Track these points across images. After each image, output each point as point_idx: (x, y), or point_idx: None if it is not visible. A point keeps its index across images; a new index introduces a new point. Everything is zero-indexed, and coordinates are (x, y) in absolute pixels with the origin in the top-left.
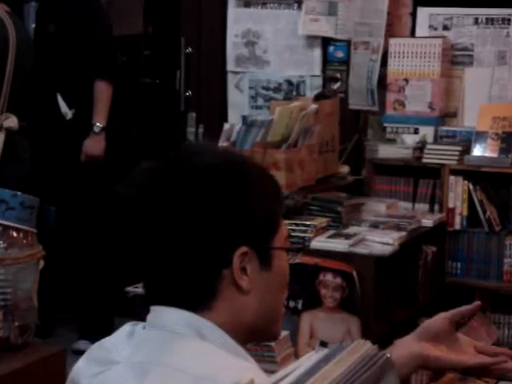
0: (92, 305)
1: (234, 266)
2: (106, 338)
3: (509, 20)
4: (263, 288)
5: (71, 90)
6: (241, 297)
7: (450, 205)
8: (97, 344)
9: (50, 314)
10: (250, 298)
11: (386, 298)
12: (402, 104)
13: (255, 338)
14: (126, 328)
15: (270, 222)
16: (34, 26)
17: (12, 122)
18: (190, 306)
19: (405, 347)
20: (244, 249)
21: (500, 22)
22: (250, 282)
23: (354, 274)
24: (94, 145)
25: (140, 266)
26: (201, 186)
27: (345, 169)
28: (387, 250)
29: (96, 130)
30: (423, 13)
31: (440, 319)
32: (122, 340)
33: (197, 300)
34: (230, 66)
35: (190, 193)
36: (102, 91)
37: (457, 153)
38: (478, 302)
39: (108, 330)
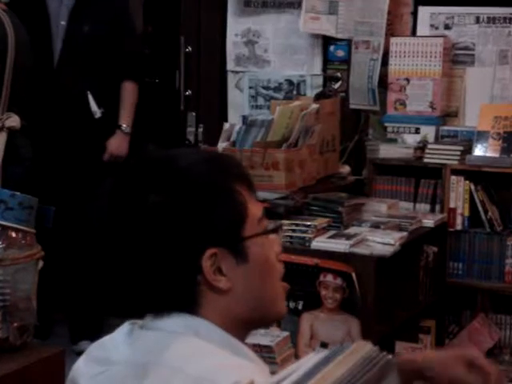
0: (83, 306)
1: (204, 270)
2: (106, 337)
3: (510, 19)
4: (245, 280)
5: (101, 89)
6: (223, 297)
7: (452, 205)
8: (96, 343)
9: (48, 314)
10: (233, 294)
11: (386, 298)
12: (403, 103)
13: (258, 325)
14: (125, 327)
15: (234, 214)
16: (62, 23)
17: (14, 121)
18: (179, 311)
19: None
20: (210, 251)
21: (502, 21)
22: (229, 280)
23: (353, 275)
24: (121, 145)
25: (122, 278)
26: (150, 199)
27: (345, 169)
28: (388, 250)
29: (126, 130)
30: (424, 12)
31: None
32: (122, 340)
33: (183, 307)
34: (230, 65)
35: (142, 207)
36: (130, 92)
37: (458, 153)
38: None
39: (98, 331)
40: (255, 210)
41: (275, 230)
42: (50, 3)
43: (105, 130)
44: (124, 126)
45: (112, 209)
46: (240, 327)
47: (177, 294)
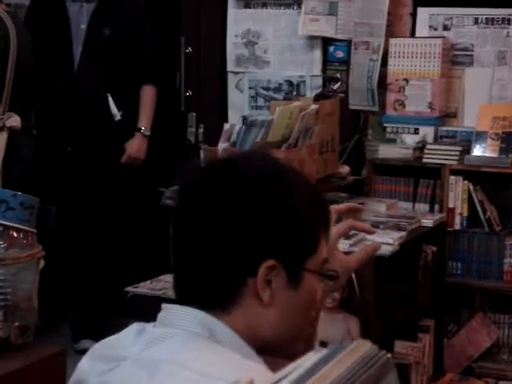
0: (87, 305)
1: (258, 277)
2: (112, 337)
3: (509, 20)
4: (286, 306)
5: (120, 92)
6: (260, 308)
7: (450, 205)
8: (101, 343)
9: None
10: (269, 311)
11: (385, 298)
12: (402, 104)
13: (270, 353)
14: (134, 327)
15: (307, 242)
16: (83, 26)
17: (15, 121)
18: (208, 305)
19: None
20: (272, 262)
21: (500, 22)
22: (272, 296)
23: (353, 274)
24: (140, 147)
25: (175, 258)
26: (241, 192)
27: (345, 169)
28: (387, 250)
29: (145, 132)
30: (423, 13)
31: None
32: (130, 338)
33: (216, 301)
34: (230, 66)
35: (228, 197)
36: (150, 95)
37: (457, 153)
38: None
39: (100, 330)
40: (324, 251)
41: (334, 278)
42: (71, 7)
43: (124, 133)
44: (143, 128)
45: (195, 193)
46: (257, 344)
47: (223, 285)
